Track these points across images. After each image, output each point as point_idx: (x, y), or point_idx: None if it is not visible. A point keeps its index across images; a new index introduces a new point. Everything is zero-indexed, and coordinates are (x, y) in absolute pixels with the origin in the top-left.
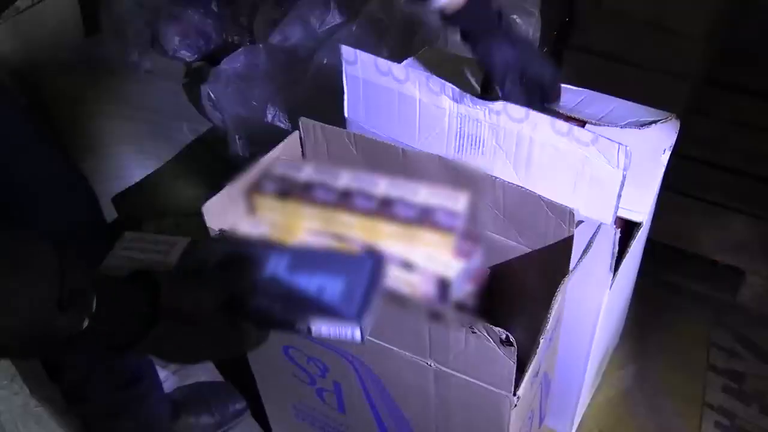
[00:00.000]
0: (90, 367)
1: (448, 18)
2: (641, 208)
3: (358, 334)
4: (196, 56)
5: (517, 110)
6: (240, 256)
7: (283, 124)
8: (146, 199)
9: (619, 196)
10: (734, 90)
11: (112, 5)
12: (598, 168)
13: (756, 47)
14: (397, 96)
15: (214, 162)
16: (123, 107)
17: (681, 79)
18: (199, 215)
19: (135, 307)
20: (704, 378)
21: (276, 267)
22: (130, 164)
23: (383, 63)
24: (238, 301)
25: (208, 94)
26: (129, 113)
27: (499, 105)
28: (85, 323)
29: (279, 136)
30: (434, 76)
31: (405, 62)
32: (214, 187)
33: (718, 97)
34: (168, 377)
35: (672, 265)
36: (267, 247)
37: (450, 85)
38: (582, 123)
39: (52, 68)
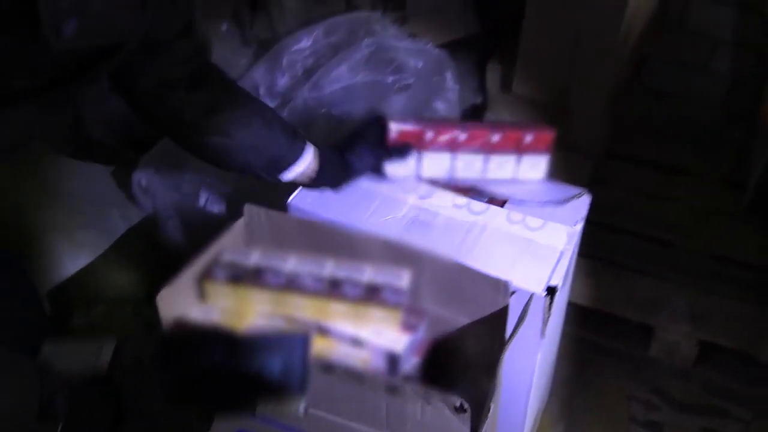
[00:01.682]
0: None
1: (309, 185)
2: (558, 272)
3: (302, 407)
4: (121, 141)
5: (478, 205)
6: (177, 348)
7: (217, 208)
8: (78, 289)
9: (554, 270)
10: (631, 161)
11: None
12: (541, 248)
13: (645, 123)
14: (362, 190)
15: (147, 248)
16: (51, 197)
17: (584, 154)
18: (132, 303)
19: (101, 412)
20: (627, 430)
21: (213, 355)
22: (62, 255)
23: None
24: (185, 391)
25: (139, 181)
26: (58, 202)
27: (462, 200)
28: (59, 430)
29: (213, 221)
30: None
31: None
32: (147, 275)
33: (617, 168)
34: None
35: (587, 325)
36: (200, 337)
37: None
38: (503, 201)
39: None
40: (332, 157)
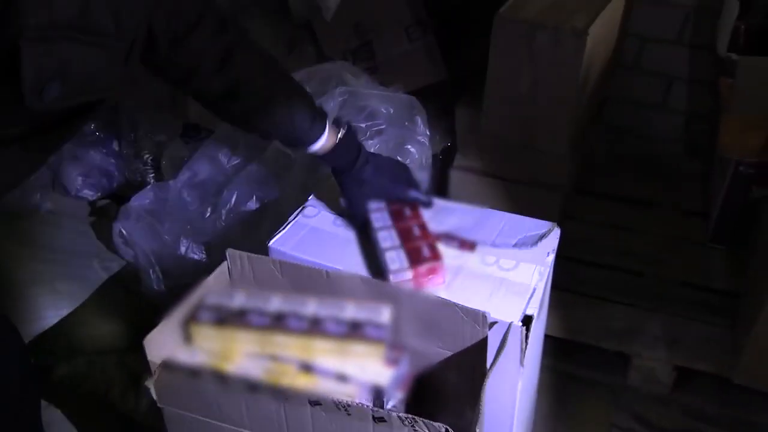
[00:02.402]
0: None
1: (321, 157)
2: (533, 304)
3: None
4: (98, 194)
5: (452, 252)
6: None
7: (197, 256)
8: (60, 339)
9: (529, 301)
10: (598, 196)
11: None
12: (515, 285)
13: (610, 159)
14: (341, 239)
15: (128, 297)
16: (32, 250)
17: (553, 190)
18: (114, 352)
19: None
20: None
21: None
22: (45, 306)
23: (340, 220)
24: None
25: (120, 230)
26: (39, 255)
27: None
28: None
29: (193, 268)
30: None
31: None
32: (129, 323)
33: (585, 203)
34: None
35: (565, 357)
36: None
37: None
38: (473, 245)
39: None
40: (351, 146)
